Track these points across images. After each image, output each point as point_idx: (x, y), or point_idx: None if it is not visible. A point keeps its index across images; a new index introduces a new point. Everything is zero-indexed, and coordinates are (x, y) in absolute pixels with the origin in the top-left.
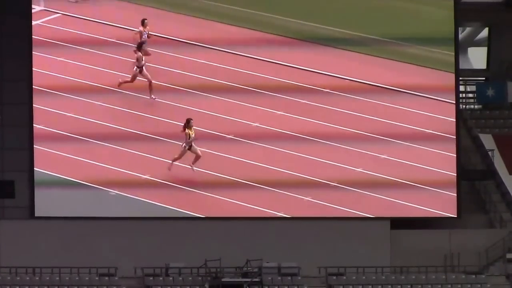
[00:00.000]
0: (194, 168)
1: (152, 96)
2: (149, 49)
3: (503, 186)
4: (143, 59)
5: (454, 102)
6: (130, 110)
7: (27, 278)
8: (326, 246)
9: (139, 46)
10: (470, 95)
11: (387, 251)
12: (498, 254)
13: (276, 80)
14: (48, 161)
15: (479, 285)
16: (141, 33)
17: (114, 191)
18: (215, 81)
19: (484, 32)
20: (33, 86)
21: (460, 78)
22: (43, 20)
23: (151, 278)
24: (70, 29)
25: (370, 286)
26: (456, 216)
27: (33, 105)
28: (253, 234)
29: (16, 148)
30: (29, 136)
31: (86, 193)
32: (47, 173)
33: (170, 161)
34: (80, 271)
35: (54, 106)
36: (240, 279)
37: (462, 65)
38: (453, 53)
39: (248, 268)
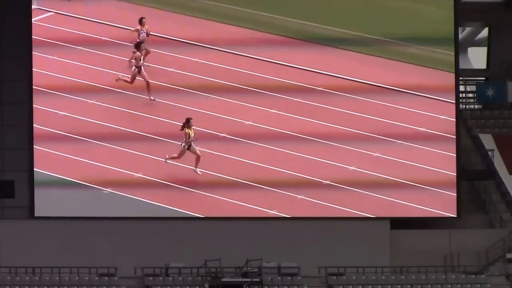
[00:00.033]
0: (199, 170)
1: (151, 97)
2: (149, 48)
3: (503, 186)
4: (142, 59)
5: (454, 102)
6: (130, 110)
7: (27, 278)
8: (326, 246)
9: (137, 46)
10: (470, 95)
11: (387, 251)
12: (498, 254)
13: (276, 80)
14: (48, 161)
15: (479, 285)
16: (138, 31)
17: (115, 191)
18: (215, 81)
19: (484, 32)
20: (33, 86)
21: (460, 78)
22: (40, 17)
23: (151, 278)
24: (70, 29)
25: (370, 286)
26: (456, 216)
27: (33, 105)
28: (253, 234)
29: (16, 148)
30: (29, 136)
31: (86, 193)
32: (47, 173)
33: (168, 156)
34: (80, 271)
35: (54, 106)
36: (240, 279)
37: (462, 65)
38: (453, 53)
39: (248, 268)
